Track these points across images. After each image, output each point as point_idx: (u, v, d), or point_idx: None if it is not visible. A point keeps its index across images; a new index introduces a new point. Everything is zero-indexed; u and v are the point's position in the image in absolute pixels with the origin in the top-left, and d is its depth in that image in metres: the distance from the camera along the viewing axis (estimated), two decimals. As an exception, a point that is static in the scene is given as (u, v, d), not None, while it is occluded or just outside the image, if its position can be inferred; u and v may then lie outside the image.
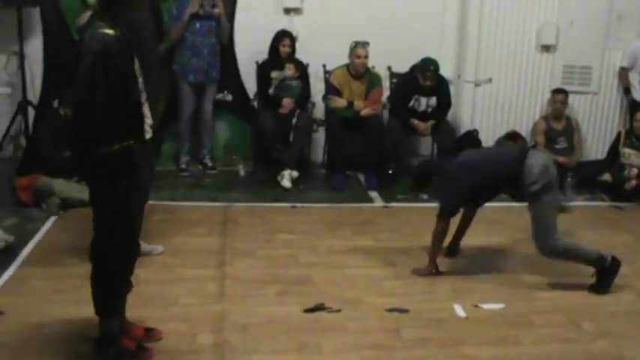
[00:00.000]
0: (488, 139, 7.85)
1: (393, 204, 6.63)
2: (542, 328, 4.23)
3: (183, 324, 4.00)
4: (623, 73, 7.85)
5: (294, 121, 6.97)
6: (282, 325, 4.10)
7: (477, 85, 7.82)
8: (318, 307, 4.33)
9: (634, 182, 7.04)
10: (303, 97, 7.17)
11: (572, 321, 4.34)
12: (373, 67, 7.25)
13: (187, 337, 3.88)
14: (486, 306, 4.48)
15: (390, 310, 4.35)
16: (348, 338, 4.00)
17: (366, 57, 7.00)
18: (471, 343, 4.00)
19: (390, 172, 7.21)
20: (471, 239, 5.77)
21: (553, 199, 4.78)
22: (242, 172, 7.30)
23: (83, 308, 3.77)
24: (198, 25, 6.80)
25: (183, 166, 7.14)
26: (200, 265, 4.86)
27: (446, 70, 7.48)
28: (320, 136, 7.56)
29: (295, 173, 6.88)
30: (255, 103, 7.29)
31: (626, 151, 7.22)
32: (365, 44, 6.97)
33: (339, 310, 4.31)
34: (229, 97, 7.38)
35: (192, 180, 6.97)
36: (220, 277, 4.70)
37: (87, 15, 3.82)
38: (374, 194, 6.86)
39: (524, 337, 4.11)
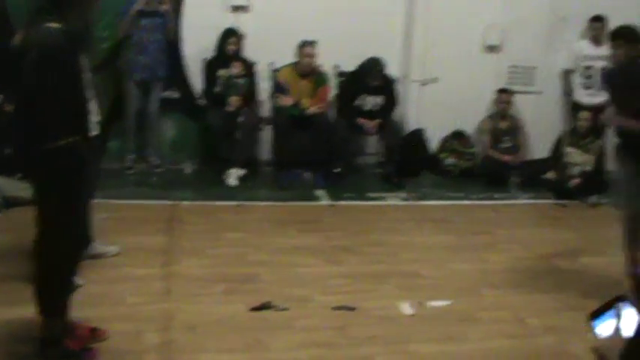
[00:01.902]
0: (434, 138, 7.95)
1: (340, 202, 6.66)
2: (489, 325, 4.30)
3: (129, 323, 3.96)
4: (567, 75, 8.02)
5: (240, 119, 6.95)
6: (229, 323, 4.09)
7: (423, 84, 7.90)
8: (266, 306, 4.32)
9: (577, 180, 7.19)
10: (250, 95, 7.15)
11: (517, 317, 4.43)
12: (320, 65, 7.26)
13: (134, 336, 3.84)
14: (433, 303, 4.53)
15: (337, 308, 4.37)
16: (295, 336, 4.01)
17: (314, 56, 7.02)
18: (417, 340, 4.04)
19: (337, 170, 7.24)
20: (417, 237, 5.86)
21: None
22: (188, 171, 7.25)
23: (25, 309, 3.70)
24: (144, 22, 6.73)
25: (129, 164, 7.06)
26: (147, 264, 4.81)
27: (392, 69, 7.54)
28: (266, 134, 7.55)
29: (242, 171, 6.88)
30: (202, 101, 7.25)
31: (569, 150, 7.36)
32: (313, 43, 6.99)
33: (286, 309, 4.32)
34: (176, 95, 7.32)
35: (138, 178, 6.92)
36: (167, 275, 4.67)
37: None
38: (321, 192, 6.88)
39: (470, 333, 4.17)
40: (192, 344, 3.83)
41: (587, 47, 7.83)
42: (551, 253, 5.55)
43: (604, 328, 1.61)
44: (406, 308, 4.45)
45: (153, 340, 3.83)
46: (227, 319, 4.15)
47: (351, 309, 4.38)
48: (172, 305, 4.26)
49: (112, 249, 4.94)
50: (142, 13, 6.71)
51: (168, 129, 7.47)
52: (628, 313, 1.61)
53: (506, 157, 7.69)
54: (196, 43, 7.22)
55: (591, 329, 1.60)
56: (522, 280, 4.96)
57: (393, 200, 6.90)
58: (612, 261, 5.35)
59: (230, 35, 6.98)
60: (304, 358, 3.79)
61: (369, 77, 7.17)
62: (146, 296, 4.34)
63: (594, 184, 7.18)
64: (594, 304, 4.49)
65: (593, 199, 7.08)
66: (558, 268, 5.33)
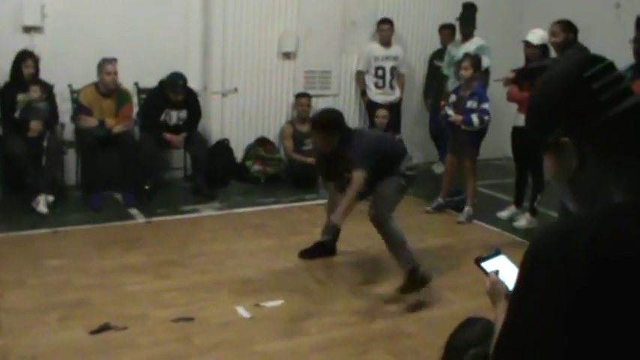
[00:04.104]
0: (239, 147, 8.12)
1: (155, 218, 6.66)
2: (325, 317, 4.54)
3: (-36, 365, 3.81)
4: (360, 77, 8.50)
5: (44, 143, 6.76)
6: (71, 350, 4.04)
7: (223, 95, 8.06)
8: (104, 327, 4.30)
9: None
10: (52, 119, 6.95)
11: (350, 307, 4.69)
12: (120, 83, 7.20)
13: (-28, 377, 3.71)
14: (267, 304, 4.71)
15: (176, 320, 4.43)
16: (142, 353, 4.03)
17: (116, 73, 6.94)
18: (260, 341, 4.20)
19: (147, 187, 7.23)
20: (238, 244, 6.00)
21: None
22: (-7, 201, 6.93)
23: None
24: None
25: None
26: (-32, 302, 4.61)
27: (193, 82, 7.62)
28: (71, 157, 7.38)
29: (51, 197, 6.67)
30: (0, 129, 6.95)
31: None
32: (113, 61, 6.91)
33: (125, 328, 4.31)
34: (-31, 124, 6.96)
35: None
36: (-6, 311, 4.50)
37: None
38: (134, 211, 6.83)
39: (309, 327, 4.40)
40: (36, 376, 3.75)
41: (377, 49, 8.35)
42: (366, 246, 5.85)
43: (490, 265, 1.83)
44: (243, 312, 4.59)
45: (-7, 378, 3.72)
46: (68, 345, 4.09)
47: (191, 319, 4.46)
48: (6, 341, 4.11)
49: None
50: None
51: (-35, 161, 7.08)
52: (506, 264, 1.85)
53: (310, 159, 7.98)
54: (-13, 67, 6.92)
55: (480, 268, 1.82)
56: (346, 272, 5.24)
57: (208, 211, 6.99)
58: (423, 246, 5.82)
59: (25, 58, 6.72)
60: (155, 373, 3.83)
61: (172, 92, 7.21)
62: (-24, 335, 4.18)
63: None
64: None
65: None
66: (376, 257, 5.66)
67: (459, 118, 6.70)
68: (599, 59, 1.35)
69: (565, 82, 1.34)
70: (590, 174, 1.31)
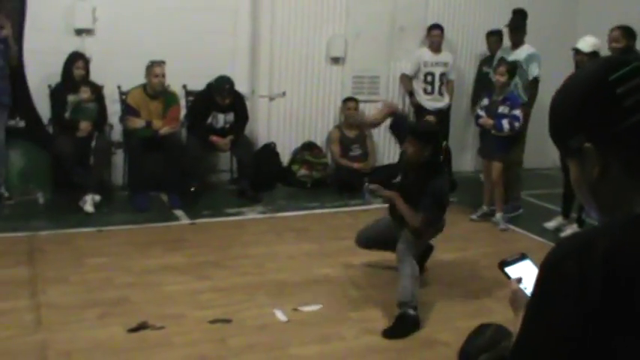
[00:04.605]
0: (284, 150, 8.13)
1: (199, 220, 6.70)
2: (360, 323, 4.52)
3: (4, 358, 3.86)
4: (405, 79, 8.43)
5: (93, 144, 6.86)
6: (107, 347, 4.08)
7: (271, 99, 8.08)
8: (142, 326, 4.33)
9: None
10: (100, 119, 7.06)
11: (387, 313, 4.64)
12: (169, 85, 7.28)
13: (10, 370, 3.77)
14: (305, 308, 4.70)
15: (213, 322, 4.44)
16: (176, 352, 4.05)
17: (163, 76, 7.01)
18: (295, 344, 4.19)
19: (192, 189, 7.28)
20: (280, 247, 6.01)
21: None
22: (41, 200, 7.03)
23: None
24: (-16, 49, 6.51)
25: (-23, 198, 6.78)
26: (12, 297, 4.67)
27: (241, 86, 7.65)
28: (119, 157, 7.48)
29: (97, 197, 6.77)
30: (51, 128, 7.08)
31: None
32: (161, 63, 6.97)
33: (163, 327, 4.34)
34: (22, 124, 7.09)
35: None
36: (36, 306, 4.55)
37: None
38: (179, 212, 6.89)
39: (346, 332, 4.37)
40: (72, 372, 3.80)
41: (426, 54, 8.28)
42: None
43: (514, 270, 1.78)
44: (280, 315, 4.58)
45: (30, 372, 3.77)
46: (104, 342, 4.12)
47: (228, 321, 4.46)
48: (45, 336, 4.17)
49: None
50: (-19, 40, 6.48)
51: (17, 159, 7.21)
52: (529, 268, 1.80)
53: (357, 165, 7.98)
54: (40, 68, 7.04)
55: (503, 272, 1.77)
56: (386, 278, 5.19)
57: (251, 214, 7.01)
58: (466, 255, 5.76)
59: (76, 59, 6.85)
60: (188, 372, 3.85)
61: (219, 95, 7.26)
62: (17, 329, 4.23)
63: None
64: (459, 293, 4.84)
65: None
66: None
67: (489, 122, 6.64)
68: (625, 62, 1.28)
69: (589, 85, 1.29)
70: (613, 182, 1.26)
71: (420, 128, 5.23)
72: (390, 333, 4.40)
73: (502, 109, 6.60)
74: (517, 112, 6.55)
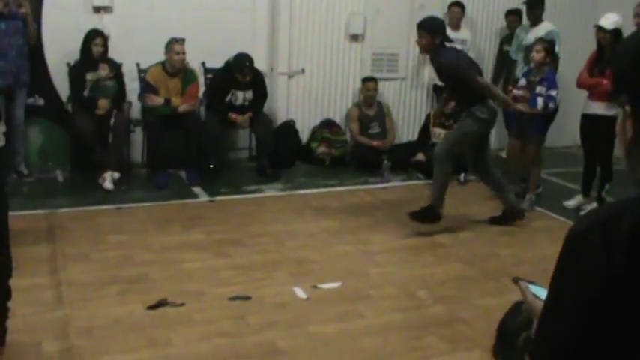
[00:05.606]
0: (304, 129, 8.11)
1: (218, 197, 6.71)
2: (380, 301, 4.51)
3: (25, 334, 3.87)
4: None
5: (111, 121, 6.87)
6: (128, 323, 4.09)
7: (290, 76, 8.04)
8: (162, 303, 4.35)
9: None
10: (119, 97, 7.05)
11: (406, 291, 4.64)
12: (187, 63, 7.25)
13: (32, 347, 3.78)
14: (325, 286, 4.69)
15: (233, 299, 4.45)
16: (196, 329, 4.06)
17: (184, 53, 6.98)
18: (315, 322, 4.19)
19: (211, 166, 7.28)
20: (299, 225, 6.00)
21: None
22: (61, 178, 7.06)
23: None
24: (4, 25, 6.48)
25: (-4, 175, 6.79)
26: (33, 274, 4.67)
27: (260, 63, 7.61)
28: (138, 135, 7.48)
29: (116, 175, 6.78)
30: (69, 106, 7.09)
31: (436, 130, 7.68)
32: (181, 41, 6.94)
33: (182, 304, 4.35)
34: (41, 101, 7.10)
35: (9, 189, 6.63)
36: (56, 283, 4.59)
37: None
38: (198, 190, 6.89)
39: (364, 310, 4.36)
40: (92, 348, 3.81)
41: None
42: (429, 230, 5.79)
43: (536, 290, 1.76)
44: (300, 292, 4.58)
45: (52, 349, 3.79)
46: (124, 319, 4.14)
47: (247, 298, 4.47)
48: (66, 312, 4.20)
49: None
50: (0, 17, 6.47)
51: (36, 137, 7.24)
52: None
53: (376, 143, 7.94)
54: (59, 46, 7.04)
55: (517, 284, 1.76)
56: (406, 256, 5.20)
57: (271, 192, 7.00)
58: (480, 234, 5.73)
59: (95, 37, 6.82)
60: (208, 349, 3.85)
61: (239, 72, 7.22)
62: (38, 306, 4.25)
63: (462, 162, 7.48)
64: (475, 273, 4.82)
65: (462, 177, 7.36)
66: (438, 242, 5.62)
67: (525, 96, 6.49)
68: None
69: (635, 50, 1.26)
70: None
71: (425, 20, 5.77)
72: (413, 215, 5.73)
73: (539, 90, 6.43)
74: (553, 93, 6.42)
